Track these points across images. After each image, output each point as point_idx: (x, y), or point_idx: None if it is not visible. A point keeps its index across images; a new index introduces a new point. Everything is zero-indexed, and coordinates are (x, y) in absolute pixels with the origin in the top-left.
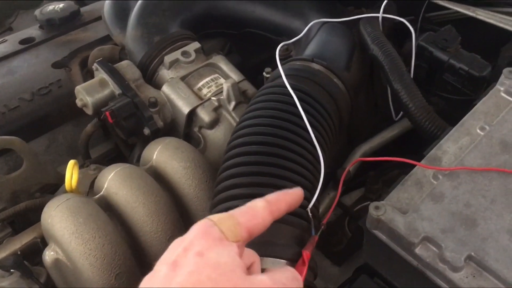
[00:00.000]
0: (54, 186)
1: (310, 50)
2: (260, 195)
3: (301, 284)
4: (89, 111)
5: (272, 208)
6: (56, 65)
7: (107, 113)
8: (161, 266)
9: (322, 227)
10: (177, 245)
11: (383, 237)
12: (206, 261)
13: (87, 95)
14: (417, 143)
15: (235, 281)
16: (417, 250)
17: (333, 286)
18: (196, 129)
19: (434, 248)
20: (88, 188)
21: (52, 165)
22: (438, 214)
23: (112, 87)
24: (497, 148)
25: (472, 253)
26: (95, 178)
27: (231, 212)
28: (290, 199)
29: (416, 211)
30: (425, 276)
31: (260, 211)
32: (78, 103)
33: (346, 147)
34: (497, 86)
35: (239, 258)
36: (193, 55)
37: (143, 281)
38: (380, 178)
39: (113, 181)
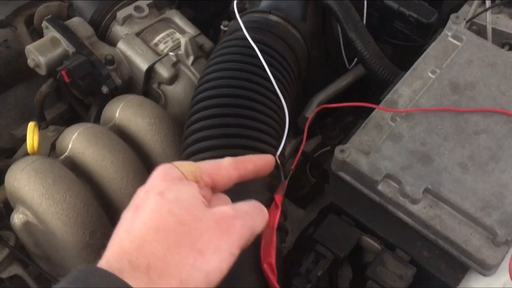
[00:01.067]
0: (10, 151)
1: (265, 2)
2: (229, 146)
3: (266, 214)
4: (42, 71)
5: (238, 165)
6: (0, 25)
7: (63, 72)
8: (126, 213)
9: (291, 172)
10: (139, 191)
11: (347, 177)
12: (166, 198)
13: (39, 55)
14: (365, 91)
15: (196, 213)
16: (380, 187)
17: (299, 227)
18: (155, 86)
19: (395, 184)
20: (49, 150)
21: (6, 129)
22: (397, 153)
23: (65, 45)
24: (448, 89)
25: (429, 186)
26: (55, 139)
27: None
28: (258, 160)
29: (378, 151)
30: (387, 210)
31: (225, 164)
32: (30, 63)
33: (301, 96)
34: (445, 31)
35: (199, 194)
36: (147, 10)
37: (113, 232)
38: (337, 125)
39: (78, 141)
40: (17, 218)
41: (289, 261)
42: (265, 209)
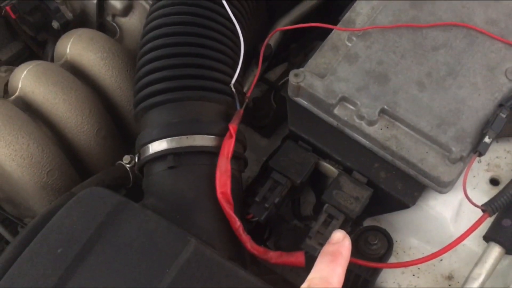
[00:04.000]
0: None
1: None
2: (182, 76)
3: None
4: None
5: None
6: None
7: (8, 8)
8: None
9: (246, 100)
10: None
11: (304, 103)
12: None
13: None
14: (336, 13)
15: None
16: (336, 111)
17: (264, 156)
18: (109, 18)
19: (351, 107)
20: (3, 92)
21: None
22: (353, 74)
23: None
24: (406, 4)
25: (385, 106)
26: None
27: None
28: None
29: (333, 74)
30: (344, 133)
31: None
32: None
33: (267, 24)
34: None
35: None
36: None
37: None
38: (302, 51)
39: (27, 79)
40: None
41: (251, 190)
42: None
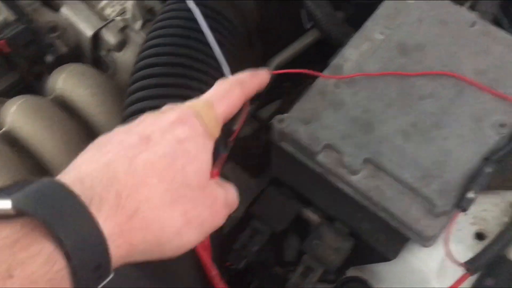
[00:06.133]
0: None
1: None
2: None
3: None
4: None
5: (245, 92)
6: None
7: (2, 42)
8: (131, 135)
9: (231, 144)
10: (152, 122)
11: (288, 148)
12: (184, 150)
13: None
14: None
15: (202, 182)
16: (319, 158)
17: (252, 196)
18: (103, 53)
19: (335, 155)
20: None
21: None
22: (338, 122)
23: (6, 12)
24: (395, 51)
25: (369, 156)
26: None
27: (210, 99)
28: (260, 81)
29: (318, 120)
30: (327, 181)
31: (236, 99)
32: None
33: (262, 60)
34: None
35: (211, 159)
36: None
37: (100, 140)
38: (295, 89)
39: (16, 114)
40: None
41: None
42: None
